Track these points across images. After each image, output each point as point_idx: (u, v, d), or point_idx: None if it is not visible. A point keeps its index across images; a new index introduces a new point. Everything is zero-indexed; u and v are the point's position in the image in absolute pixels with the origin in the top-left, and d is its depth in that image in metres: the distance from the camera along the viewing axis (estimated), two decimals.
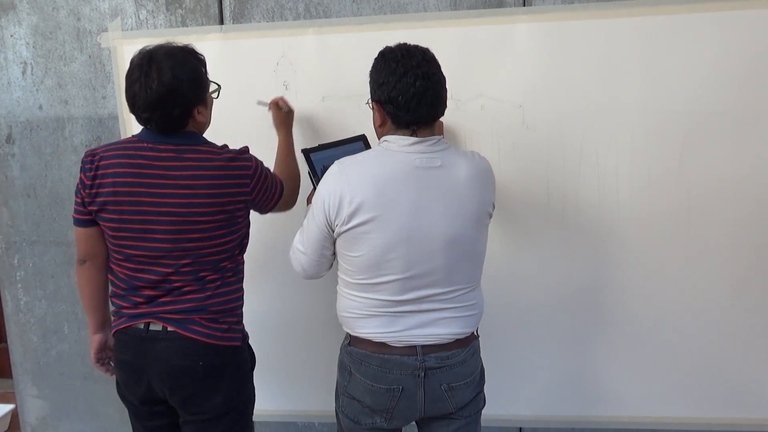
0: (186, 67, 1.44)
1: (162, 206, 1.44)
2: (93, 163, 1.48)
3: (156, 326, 1.50)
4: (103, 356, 1.69)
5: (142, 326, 1.51)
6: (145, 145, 1.47)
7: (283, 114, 1.86)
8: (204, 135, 1.56)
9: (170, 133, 1.47)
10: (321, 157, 1.66)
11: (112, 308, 1.59)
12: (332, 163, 1.56)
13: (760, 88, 1.85)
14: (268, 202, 1.61)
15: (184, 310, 1.49)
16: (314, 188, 1.67)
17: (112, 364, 1.68)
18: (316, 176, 1.64)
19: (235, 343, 1.56)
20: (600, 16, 1.86)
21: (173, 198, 1.44)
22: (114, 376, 1.65)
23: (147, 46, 1.46)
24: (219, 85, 1.58)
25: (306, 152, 1.66)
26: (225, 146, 1.54)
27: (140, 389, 1.55)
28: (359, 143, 1.72)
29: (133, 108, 1.44)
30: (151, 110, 1.42)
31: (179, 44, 1.48)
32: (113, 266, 1.55)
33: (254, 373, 1.68)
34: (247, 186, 1.51)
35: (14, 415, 2.68)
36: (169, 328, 1.49)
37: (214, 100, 1.58)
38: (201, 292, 1.51)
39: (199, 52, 1.50)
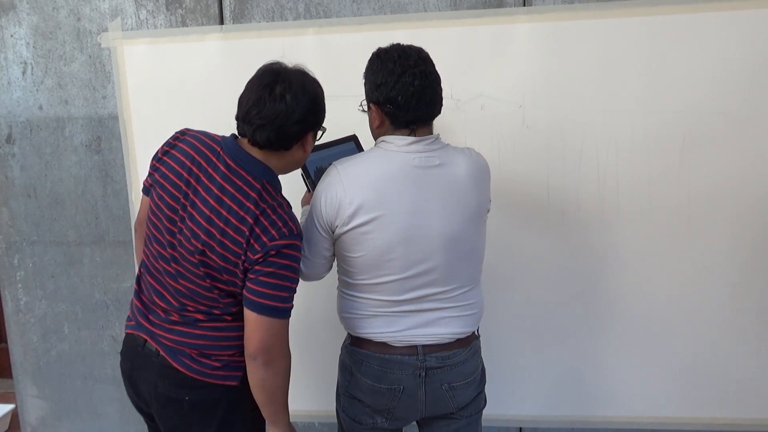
0: (316, 88, 1.40)
1: (190, 219, 1.35)
2: (176, 140, 1.43)
3: (151, 346, 1.43)
4: None
5: (141, 340, 1.45)
6: (216, 148, 1.39)
7: None
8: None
9: (261, 150, 1.37)
10: (313, 159, 1.65)
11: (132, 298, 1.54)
12: (325, 164, 1.56)
13: (760, 88, 1.85)
14: (255, 299, 1.34)
15: (177, 341, 1.42)
16: (308, 190, 1.68)
17: None
18: (309, 178, 1.64)
19: (231, 383, 1.42)
20: (600, 16, 1.86)
21: (200, 216, 1.34)
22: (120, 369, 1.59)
23: (274, 63, 1.38)
24: (325, 129, 1.49)
25: None
26: (291, 213, 1.40)
27: (140, 401, 1.52)
28: (350, 143, 1.72)
29: (246, 115, 1.34)
30: (271, 118, 1.32)
31: (307, 69, 1.42)
32: (144, 246, 1.49)
33: None
34: (255, 252, 1.32)
35: (14, 415, 2.68)
36: (161, 353, 1.41)
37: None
38: (194, 328, 1.42)
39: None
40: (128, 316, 1.54)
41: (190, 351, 1.41)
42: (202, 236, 1.34)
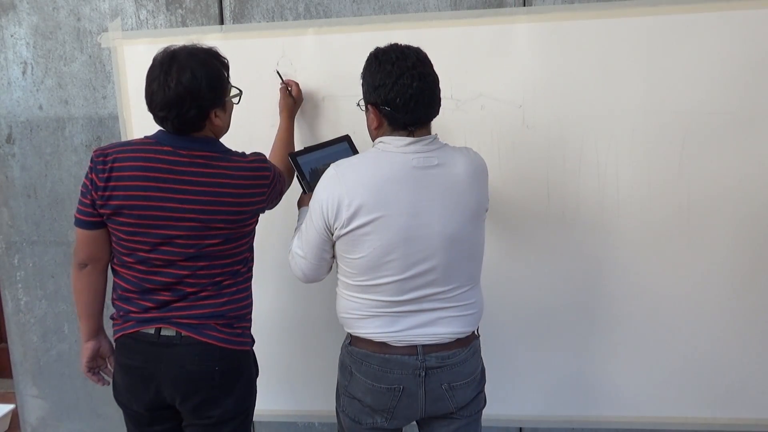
0: (207, 67, 1.42)
1: (184, 212, 1.43)
2: (106, 164, 1.43)
3: (169, 331, 1.47)
4: (94, 365, 1.64)
5: (152, 331, 1.48)
6: (165, 148, 1.44)
7: (289, 100, 1.89)
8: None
9: (187, 135, 1.46)
10: (308, 160, 1.67)
11: (115, 312, 1.55)
12: (319, 165, 1.58)
13: (760, 88, 1.85)
14: (273, 203, 1.63)
15: (201, 315, 1.48)
16: (303, 191, 1.68)
17: (105, 375, 1.65)
18: (304, 179, 1.65)
19: (247, 347, 1.58)
20: (600, 16, 1.86)
21: (197, 204, 1.43)
22: (110, 383, 1.62)
23: (171, 46, 1.45)
24: (240, 91, 1.57)
25: (292, 156, 1.67)
26: (243, 153, 1.54)
27: (147, 395, 1.52)
28: (344, 144, 1.73)
29: (150, 106, 1.43)
30: (167, 109, 1.40)
31: (204, 46, 1.47)
32: (120, 269, 1.51)
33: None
34: (263, 195, 1.53)
35: (14, 415, 2.68)
36: (184, 333, 1.47)
37: (234, 105, 1.57)
38: (218, 297, 1.50)
39: (223, 55, 1.49)
40: (115, 321, 1.55)
41: (215, 322, 1.49)
42: (216, 216, 1.44)
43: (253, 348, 1.64)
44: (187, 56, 1.41)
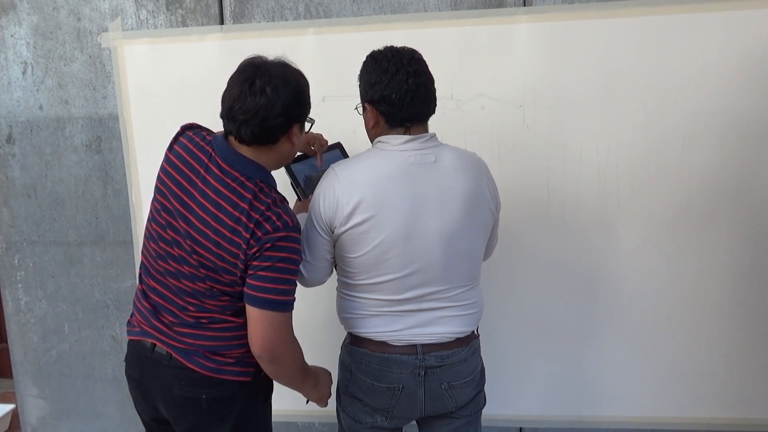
0: (300, 81, 1.38)
1: (184, 221, 1.36)
2: (176, 140, 1.43)
3: (161, 349, 1.42)
4: None
5: (149, 344, 1.44)
6: (210, 151, 1.38)
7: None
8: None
9: (249, 146, 1.37)
10: (302, 168, 1.67)
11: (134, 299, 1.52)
12: (314, 172, 1.57)
13: (760, 88, 1.85)
14: (255, 294, 1.34)
15: (188, 343, 1.41)
16: (298, 199, 1.68)
17: None
18: (299, 187, 1.65)
19: (244, 378, 1.44)
20: (600, 16, 1.86)
21: (196, 218, 1.35)
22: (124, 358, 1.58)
23: (256, 57, 1.38)
24: (313, 120, 1.48)
25: (286, 164, 1.66)
26: (285, 206, 1.40)
27: (147, 407, 1.51)
28: (336, 151, 1.74)
29: (230, 110, 1.34)
30: (252, 113, 1.31)
31: (290, 62, 1.40)
32: (142, 246, 1.48)
33: None
34: (251, 247, 1.32)
35: (14, 415, 2.68)
36: (173, 355, 1.41)
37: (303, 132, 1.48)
38: (201, 330, 1.41)
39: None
40: (129, 321, 1.52)
41: (203, 351, 1.41)
42: (199, 238, 1.35)
43: (258, 378, 1.48)
44: (279, 66, 1.36)
